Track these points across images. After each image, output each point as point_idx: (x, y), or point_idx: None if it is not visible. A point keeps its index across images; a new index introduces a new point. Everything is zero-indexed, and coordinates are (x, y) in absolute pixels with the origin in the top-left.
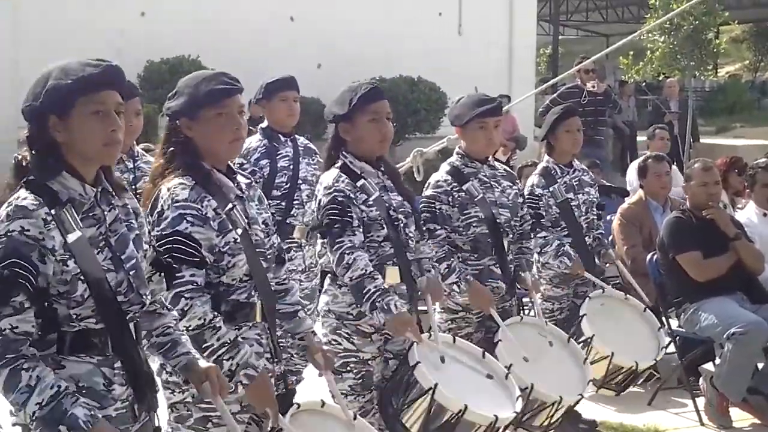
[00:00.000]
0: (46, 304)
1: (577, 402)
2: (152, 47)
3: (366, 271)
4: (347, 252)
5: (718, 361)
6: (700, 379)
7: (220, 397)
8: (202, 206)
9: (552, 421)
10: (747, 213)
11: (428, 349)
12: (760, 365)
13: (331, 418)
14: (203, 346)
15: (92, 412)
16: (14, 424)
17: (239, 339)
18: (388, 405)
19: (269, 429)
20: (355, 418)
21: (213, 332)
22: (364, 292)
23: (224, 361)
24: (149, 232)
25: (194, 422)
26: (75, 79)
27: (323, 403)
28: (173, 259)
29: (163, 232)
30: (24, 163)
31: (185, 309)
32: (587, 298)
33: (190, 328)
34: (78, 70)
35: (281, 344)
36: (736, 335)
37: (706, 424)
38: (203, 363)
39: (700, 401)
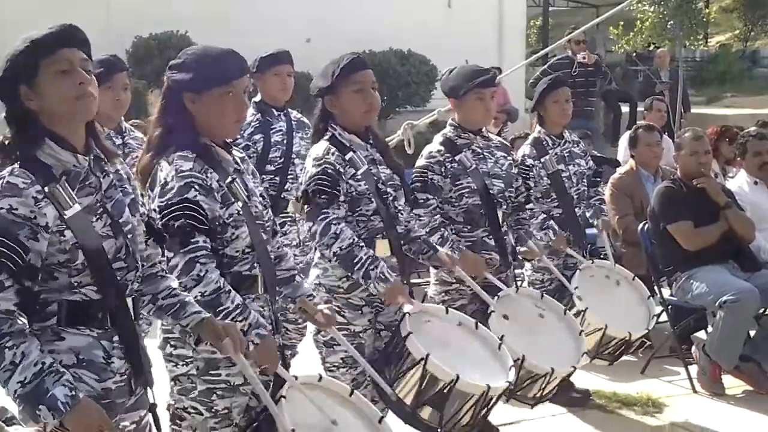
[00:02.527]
0: (48, 273)
1: (570, 374)
2: (140, 23)
3: (354, 240)
4: (334, 222)
5: (710, 329)
6: (693, 348)
7: (241, 353)
8: (207, 177)
9: (545, 392)
10: (738, 181)
11: (420, 320)
12: (752, 333)
13: (328, 392)
14: (219, 309)
15: (73, 392)
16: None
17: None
18: (379, 375)
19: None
20: (351, 393)
21: (227, 295)
22: (356, 261)
23: (237, 323)
24: (145, 203)
25: (198, 394)
26: (34, 40)
27: (320, 378)
28: (185, 226)
29: (170, 201)
30: (7, 143)
31: (201, 274)
32: (577, 270)
33: (206, 293)
34: (37, 34)
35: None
36: (727, 303)
37: (698, 392)
38: (221, 321)
39: (693, 369)
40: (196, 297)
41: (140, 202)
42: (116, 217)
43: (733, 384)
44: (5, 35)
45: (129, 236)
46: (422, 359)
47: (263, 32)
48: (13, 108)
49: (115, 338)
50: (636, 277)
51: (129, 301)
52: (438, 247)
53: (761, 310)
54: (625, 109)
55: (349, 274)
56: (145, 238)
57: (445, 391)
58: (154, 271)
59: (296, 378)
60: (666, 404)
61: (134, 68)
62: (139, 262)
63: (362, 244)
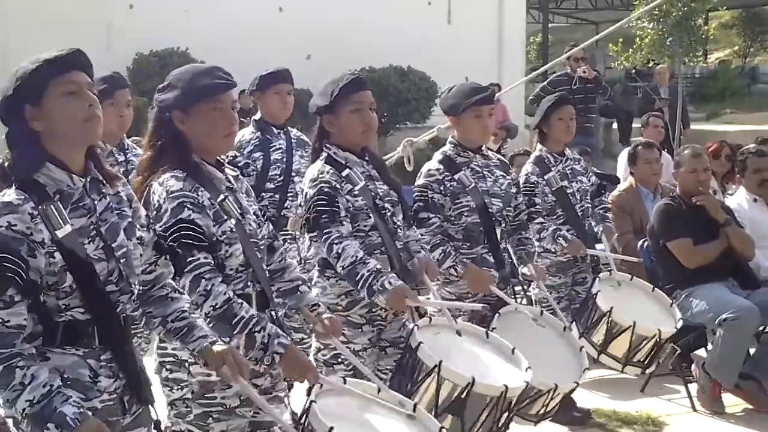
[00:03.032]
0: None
1: (573, 390)
2: (141, 40)
3: (356, 257)
4: (336, 242)
5: (710, 347)
6: (693, 366)
7: (242, 377)
8: (198, 195)
9: (548, 409)
10: (737, 198)
11: (430, 332)
12: (752, 351)
13: (356, 394)
14: (234, 321)
15: (81, 410)
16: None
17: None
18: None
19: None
20: (379, 390)
21: (240, 305)
22: (358, 278)
23: (256, 334)
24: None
25: (194, 418)
26: (43, 60)
27: (345, 380)
28: (184, 246)
29: (167, 224)
30: (6, 165)
31: (208, 289)
32: (597, 279)
33: (218, 306)
34: (46, 55)
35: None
36: (727, 321)
37: (698, 410)
38: (218, 347)
39: (693, 387)
40: (208, 312)
41: (138, 226)
42: (109, 240)
43: (732, 402)
44: (8, 54)
45: (123, 261)
46: (436, 366)
47: (263, 49)
48: (17, 129)
49: (103, 357)
50: (655, 288)
51: (122, 319)
52: (413, 255)
53: (761, 328)
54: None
55: (355, 292)
56: (155, 258)
57: (462, 396)
58: (164, 293)
59: (320, 386)
60: (666, 423)
61: (135, 85)
62: (134, 287)
63: (367, 260)
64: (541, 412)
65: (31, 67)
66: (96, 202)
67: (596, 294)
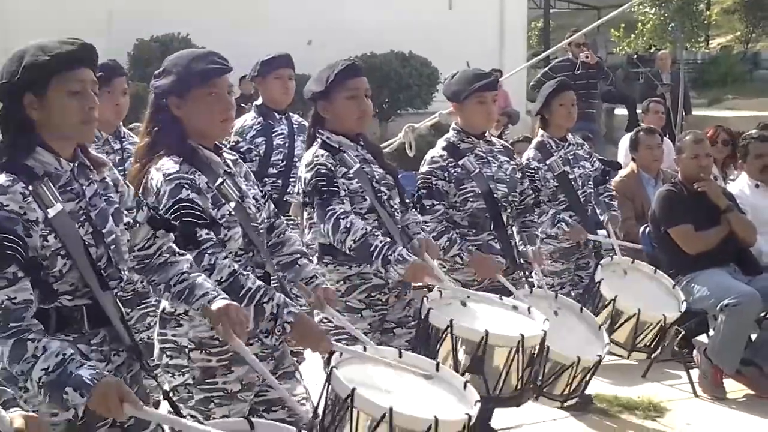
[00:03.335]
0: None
1: (597, 363)
2: (142, 25)
3: (366, 230)
4: (342, 217)
5: (711, 332)
6: (694, 351)
7: (235, 336)
8: (195, 177)
9: (572, 387)
10: (739, 184)
11: (442, 302)
12: (753, 336)
13: (378, 360)
14: (241, 294)
15: (97, 371)
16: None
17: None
18: None
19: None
20: (401, 355)
21: (245, 277)
22: (372, 249)
23: (265, 305)
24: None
25: (196, 403)
26: (52, 55)
27: (365, 348)
28: (185, 224)
29: (166, 206)
30: None
31: (212, 263)
32: (599, 266)
33: (223, 279)
34: (55, 48)
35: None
36: (729, 307)
37: (700, 396)
38: (216, 304)
39: (694, 373)
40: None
41: (125, 211)
42: (99, 226)
43: (734, 388)
44: (8, 36)
45: (112, 247)
46: (448, 327)
47: (264, 35)
48: (12, 112)
49: (93, 341)
50: (657, 270)
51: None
52: (413, 237)
53: (762, 314)
54: (622, 111)
55: (369, 264)
56: (151, 233)
57: (479, 353)
58: (164, 259)
59: (340, 355)
60: (667, 408)
61: (135, 71)
62: (123, 273)
63: (377, 232)
64: (566, 391)
65: (42, 58)
66: (84, 187)
67: (600, 282)
